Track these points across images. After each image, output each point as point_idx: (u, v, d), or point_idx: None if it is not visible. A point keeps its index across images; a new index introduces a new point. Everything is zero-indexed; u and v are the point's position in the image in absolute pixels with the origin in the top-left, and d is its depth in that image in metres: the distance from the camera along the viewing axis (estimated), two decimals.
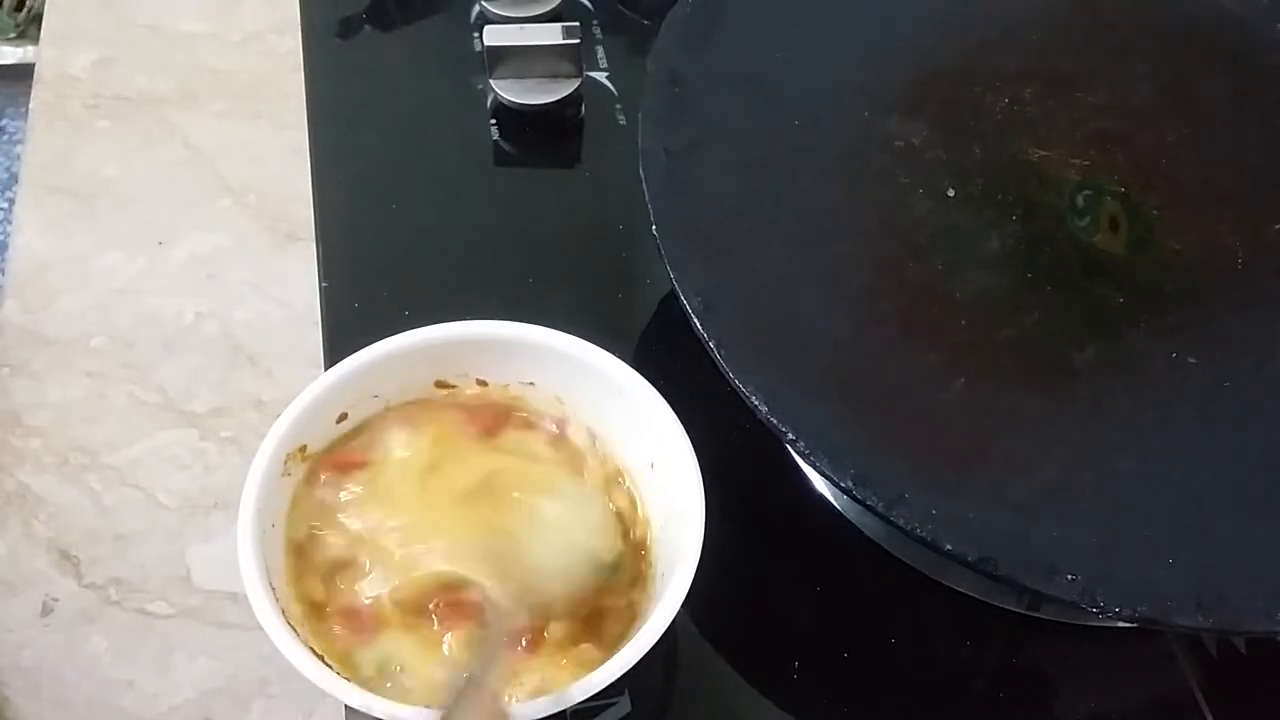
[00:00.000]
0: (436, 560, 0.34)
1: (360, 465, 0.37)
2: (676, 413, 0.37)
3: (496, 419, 0.38)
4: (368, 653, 0.34)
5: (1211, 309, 0.41)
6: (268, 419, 0.36)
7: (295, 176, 0.51)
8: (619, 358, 0.38)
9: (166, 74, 0.55)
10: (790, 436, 0.35)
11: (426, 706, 0.31)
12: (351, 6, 0.57)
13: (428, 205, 0.50)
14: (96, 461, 0.43)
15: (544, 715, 0.32)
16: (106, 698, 0.38)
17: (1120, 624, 0.39)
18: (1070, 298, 0.41)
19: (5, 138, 1.41)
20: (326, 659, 0.33)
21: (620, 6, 0.58)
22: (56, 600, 0.40)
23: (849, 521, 0.42)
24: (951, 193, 0.42)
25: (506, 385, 0.39)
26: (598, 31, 0.56)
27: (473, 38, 0.56)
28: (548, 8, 0.55)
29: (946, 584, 0.40)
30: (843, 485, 0.34)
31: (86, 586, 0.40)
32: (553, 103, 0.52)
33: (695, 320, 0.37)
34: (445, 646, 0.34)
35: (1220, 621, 0.33)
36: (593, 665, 0.33)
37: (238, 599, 0.39)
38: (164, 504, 0.42)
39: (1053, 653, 0.40)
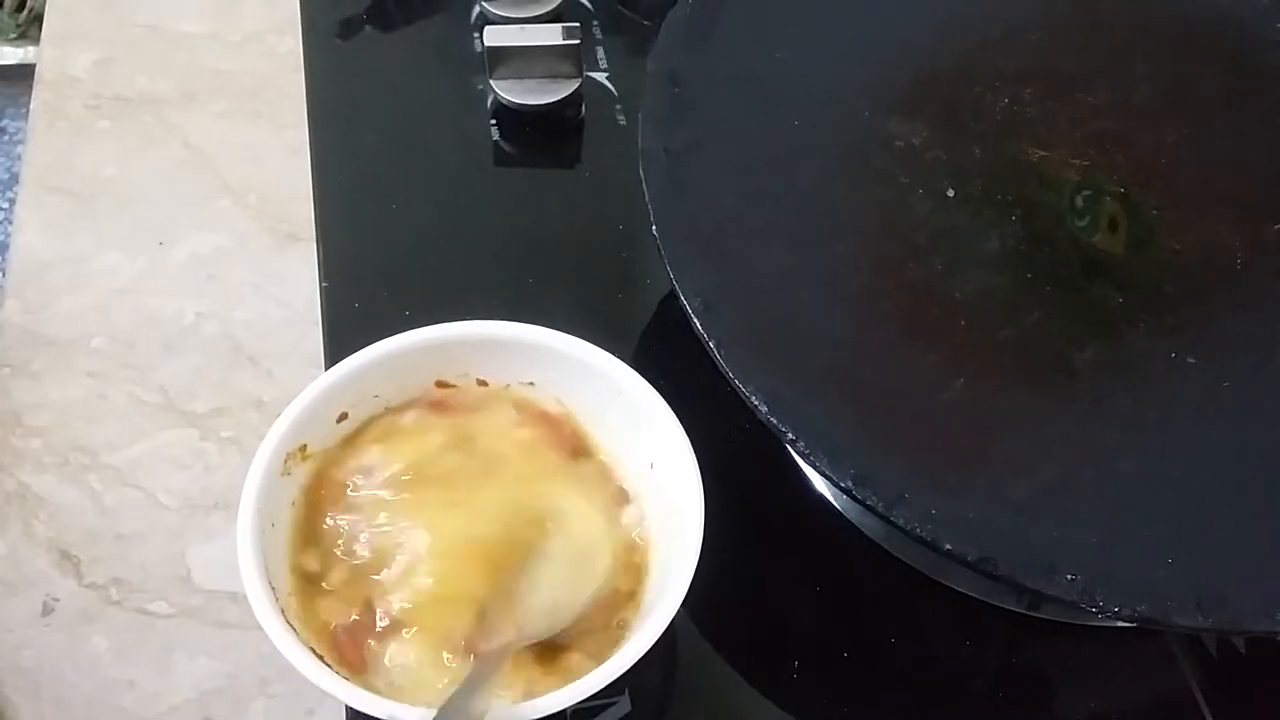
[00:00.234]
0: (438, 579, 0.34)
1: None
2: (676, 413, 0.37)
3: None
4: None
5: (1211, 309, 0.41)
6: (268, 419, 0.36)
7: (295, 176, 0.51)
8: (619, 358, 0.38)
9: (167, 74, 0.55)
10: (790, 436, 0.35)
11: (426, 706, 0.31)
12: (352, 7, 0.57)
13: (428, 205, 0.50)
14: (97, 461, 0.43)
15: (544, 715, 0.32)
16: (107, 698, 0.38)
17: (1120, 624, 0.39)
18: (1070, 298, 0.41)
19: (6, 138, 1.42)
20: (326, 658, 0.33)
21: (620, 7, 0.58)
22: (57, 600, 0.40)
23: (849, 521, 0.42)
24: (951, 193, 0.42)
25: (507, 385, 0.39)
26: (598, 32, 0.57)
27: (473, 38, 0.56)
28: (548, 8, 0.55)
29: (946, 584, 0.40)
30: (843, 485, 0.34)
31: (87, 586, 0.40)
32: (553, 103, 0.52)
33: (695, 320, 0.37)
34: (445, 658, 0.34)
35: (1220, 621, 0.33)
36: (578, 673, 0.33)
37: (238, 599, 0.39)
38: (164, 504, 0.42)
39: (1052, 653, 0.40)
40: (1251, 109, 0.47)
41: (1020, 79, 0.46)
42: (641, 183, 0.40)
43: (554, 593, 0.35)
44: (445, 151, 0.52)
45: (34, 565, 0.40)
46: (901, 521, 0.34)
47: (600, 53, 0.56)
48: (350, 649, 0.34)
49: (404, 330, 0.38)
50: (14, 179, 1.34)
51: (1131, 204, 0.43)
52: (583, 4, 0.58)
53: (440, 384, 0.39)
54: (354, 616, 0.34)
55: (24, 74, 0.93)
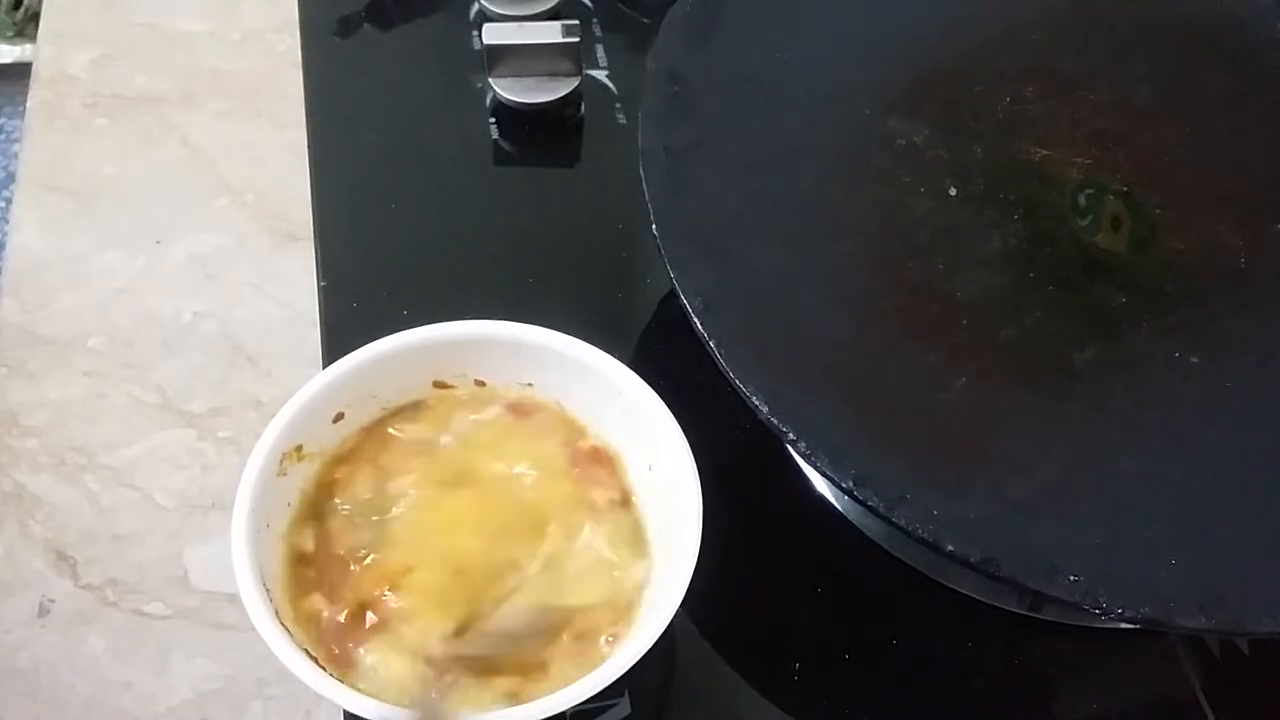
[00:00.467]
0: (425, 589, 0.34)
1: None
2: (676, 413, 0.37)
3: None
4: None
5: (1213, 309, 0.41)
6: (266, 419, 0.36)
7: (294, 176, 0.51)
8: (619, 357, 0.38)
9: (165, 73, 0.54)
10: (791, 436, 0.35)
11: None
12: (350, 5, 0.57)
13: (427, 205, 0.50)
14: (94, 462, 0.43)
15: (544, 716, 0.32)
16: (104, 698, 0.38)
17: (1122, 625, 0.39)
18: (1071, 297, 0.40)
19: (3, 137, 1.41)
20: (320, 660, 0.33)
21: (620, 5, 0.58)
22: (53, 601, 0.40)
23: (849, 521, 0.42)
24: (952, 192, 0.42)
25: (506, 385, 0.39)
26: (597, 30, 0.56)
27: (472, 36, 0.56)
28: (547, 6, 0.55)
29: (947, 584, 0.40)
30: (844, 485, 0.34)
31: (83, 587, 0.40)
32: (552, 101, 0.52)
33: (695, 320, 0.37)
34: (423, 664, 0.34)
35: (1222, 622, 0.33)
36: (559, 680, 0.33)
37: (235, 600, 0.38)
38: (162, 504, 0.42)
39: (1054, 653, 0.40)
40: (1252, 109, 0.47)
41: (1021, 78, 0.46)
42: (641, 182, 0.40)
43: (526, 617, 0.35)
44: (444, 150, 0.52)
45: (30, 566, 0.40)
46: (903, 522, 0.34)
47: (600, 51, 0.56)
48: (338, 648, 0.34)
49: (403, 330, 0.38)
50: (11, 178, 1.34)
51: (1133, 203, 0.43)
52: (582, 2, 0.57)
53: (438, 384, 0.39)
54: (341, 618, 0.34)
55: (21, 72, 0.92)
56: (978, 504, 0.35)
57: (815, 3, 0.47)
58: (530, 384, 0.39)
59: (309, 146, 0.51)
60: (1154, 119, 0.46)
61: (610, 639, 0.34)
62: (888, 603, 0.41)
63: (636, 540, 0.37)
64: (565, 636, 0.34)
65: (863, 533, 0.41)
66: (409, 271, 0.48)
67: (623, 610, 0.35)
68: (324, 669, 0.32)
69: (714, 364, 0.36)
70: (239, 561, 0.33)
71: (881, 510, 0.34)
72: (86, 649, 0.39)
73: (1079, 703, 0.39)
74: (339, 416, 0.38)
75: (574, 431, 0.38)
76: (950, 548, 0.34)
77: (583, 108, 0.54)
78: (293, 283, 0.48)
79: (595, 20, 0.57)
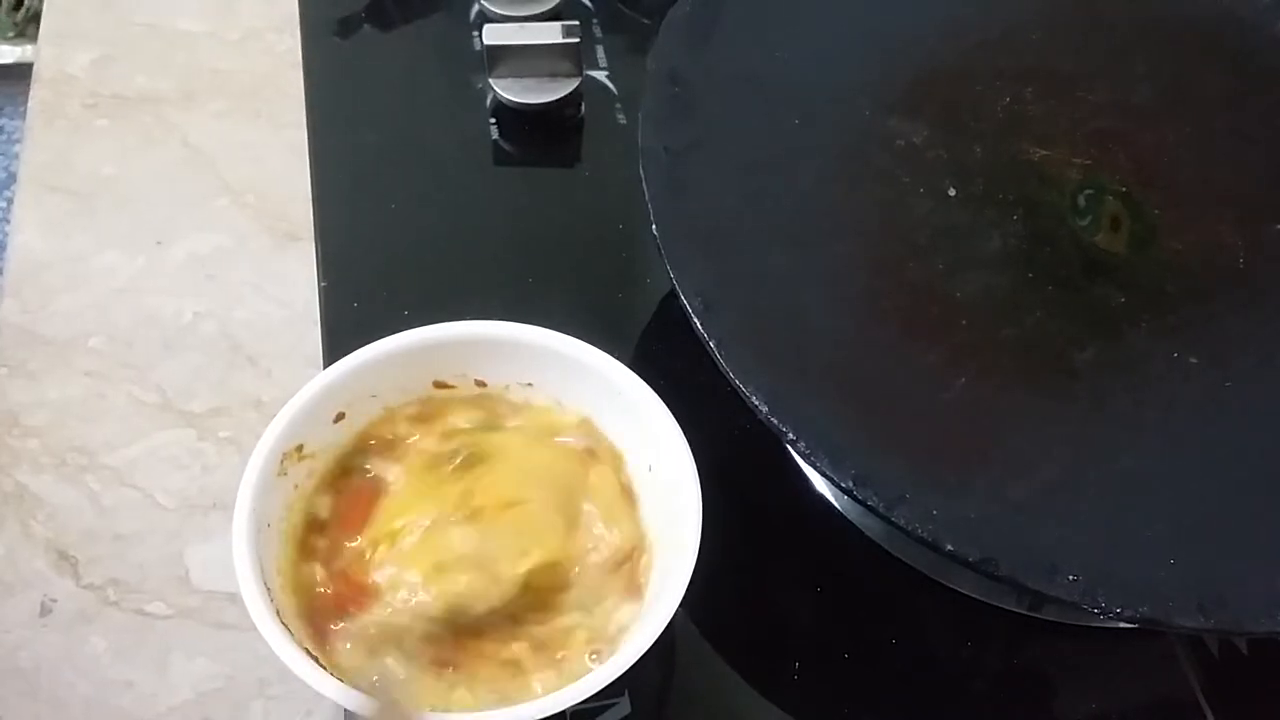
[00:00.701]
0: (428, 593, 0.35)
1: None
2: (676, 412, 0.37)
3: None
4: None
5: (1212, 309, 0.41)
6: (267, 419, 0.36)
7: (294, 176, 0.51)
8: (619, 357, 0.38)
9: (165, 73, 0.54)
10: (790, 436, 0.35)
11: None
12: (350, 5, 0.57)
13: (427, 205, 0.50)
14: (95, 462, 0.43)
15: (544, 715, 0.32)
16: (105, 698, 0.38)
17: (1121, 624, 0.39)
18: (1071, 297, 0.41)
19: (4, 137, 1.41)
20: (320, 659, 0.33)
21: (620, 5, 0.58)
22: (54, 601, 0.40)
23: (849, 521, 0.42)
24: (952, 192, 0.42)
25: (505, 386, 0.39)
26: (597, 30, 0.56)
27: (472, 36, 0.56)
28: (547, 6, 0.55)
29: (947, 584, 0.40)
30: (843, 485, 0.34)
31: (85, 587, 0.40)
32: (552, 102, 0.52)
33: (695, 320, 0.37)
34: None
35: (1222, 622, 0.33)
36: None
37: (236, 599, 0.38)
38: (162, 504, 0.42)
39: (1053, 653, 0.40)
40: (1252, 109, 0.47)
41: (1021, 78, 0.46)
42: (641, 182, 0.40)
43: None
44: (444, 150, 0.52)
45: (31, 566, 0.40)
46: (902, 522, 0.34)
47: (600, 51, 0.56)
48: (329, 646, 0.34)
49: (403, 330, 0.38)
50: (11, 178, 1.34)
51: (1133, 203, 0.43)
52: (582, 2, 0.57)
53: (438, 384, 0.39)
54: (338, 623, 0.35)
55: (22, 73, 0.93)
56: (977, 504, 0.35)
57: (815, 3, 0.47)
58: (530, 384, 0.39)
59: (309, 146, 0.51)
60: (1154, 119, 0.46)
61: (595, 655, 0.34)
62: (888, 603, 0.41)
63: (635, 539, 0.37)
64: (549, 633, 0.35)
65: (863, 533, 0.41)
66: (409, 271, 0.48)
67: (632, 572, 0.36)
68: (324, 668, 0.32)
69: (714, 364, 0.36)
70: (240, 561, 0.33)
71: (881, 510, 0.34)
72: (88, 649, 0.39)
73: (1079, 702, 0.39)
74: (339, 416, 0.38)
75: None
76: (950, 547, 0.34)
77: (583, 108, 0.54)
78: (293, 283, 0.48)
79: (595, 21, 0.57)
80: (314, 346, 0.45)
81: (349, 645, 0.34)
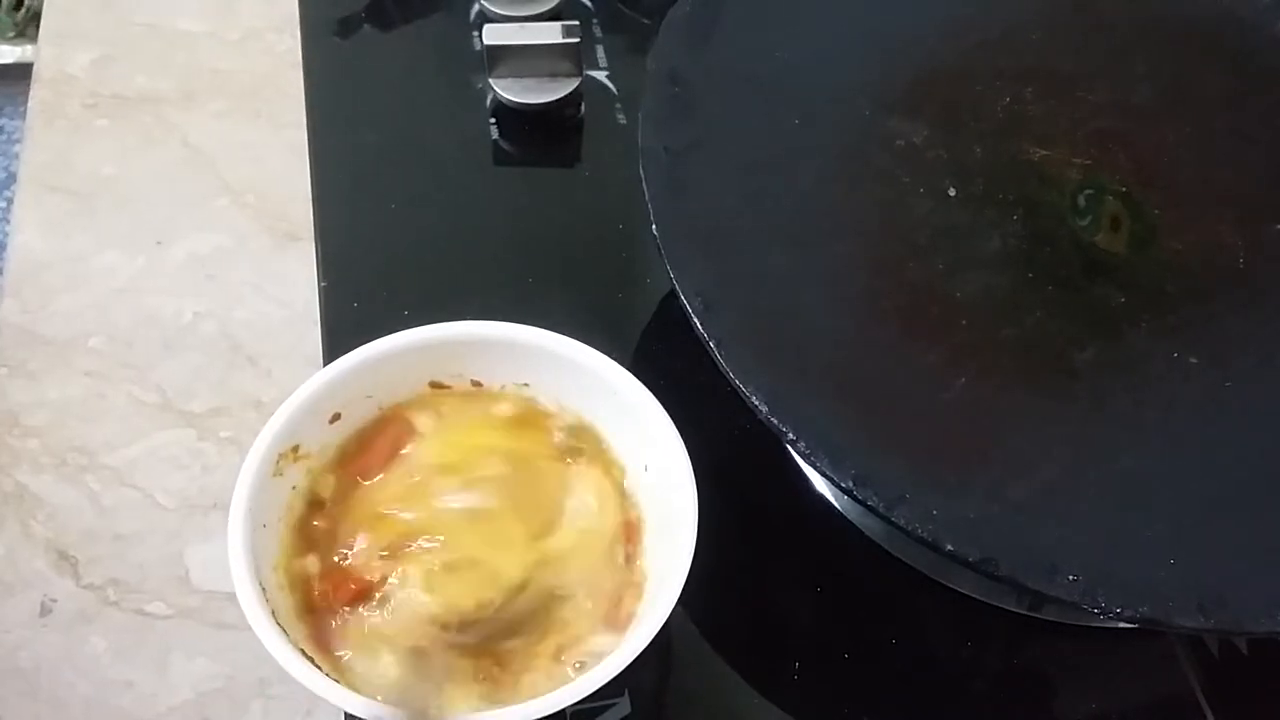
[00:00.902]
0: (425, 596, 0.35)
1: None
2: (676, 412, 0.37)
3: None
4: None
5: (1212, 309, 0.41)
6: (267, 419, 0.36)
7: (294, 176, 0.51)
8: (619, 358, 0.38)
9: (165, 73, 0.54)
10: (790, 436, 0.35)
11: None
12: (350, 5, 0.57)
13: (427, 205, 0.50)
14: (95, 462, 0.43)
15: (543, 715, 0.32)
16: (105, 698, 0.38)
17: (1121, 624, 0.39)
18: (1071, 297, 0.40)
19: (4, 137, 1.41)
20: (316, 660, 0.33)
21: (620, 5, 0.58)
22: (55, 601, 0.40)
23: (849, 521, 0.42)
24: (952, 192, 0.42)
25: (502, 386, 0.39)
26: (597, 30, 0.56)
27: (472, 36, 0.56)
28: (547, 6, 0.55)
29: (947, 584, 0.40)
30: (843, 485, 0.34)
31: (85, 587, 0.40)
32: (552, 102, 0.52)
33: (695, 320, 0.37)
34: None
35: (1221, 622, 0.33)
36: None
37: (236, 599, 0.38)
38: (162, 504, 0.42)
39: (1053, 653, 0.40)
40: (1252, 109, 0.47)
41: (1021, 78, 0.46)
42: (641, 182, 0.40)
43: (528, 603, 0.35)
44: (444, 150, 0.52)
45: (32, 566, 0.40)
46: (902, 522, 0.34)
47: (600, 51, 0.56)
48: (325, 646, 0.34)
49: (403, 330, 0.38)
50: (12, 178, 1.34)
51: (1133, 203, 0.43)
52: (582, 2, 0.57)
53: (434, 385, 0.39)
54: (336, 621, 0.35)
55: (22, 73, 0.93)
56: (977, 504, 0.35)
57: (815, 3, 0.47)
58: (526, 384, 0.39)
59: (309, 146, 0.51)
60: (1154, 119, 0.46)
61: (579, 665, 0.34)
62: (888, 603, 0.41)
63: (634, 538, 0.37)
64: (550, 636, 0.35)
65: (863, 533, 0.41)
66: (409, 271, 0.48)
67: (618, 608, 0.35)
68: (319, 669, 0.32)
69: (714, 364, 0.36)
70: (235, 561, 0.33)
71: (881, 510, 0.34)
72: (88, 649, 0.39)
73: (1078, 702, 0.39)
74: (335, 417, 0.38)
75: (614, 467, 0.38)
76: (950, 547, 0.34)
77: (583, 108, 0.54)
78: (293, 283, 0.48)
79: (595, 21, 0.57)
80: (314, 346, 0.45)
81: (347, 644, 0.34)
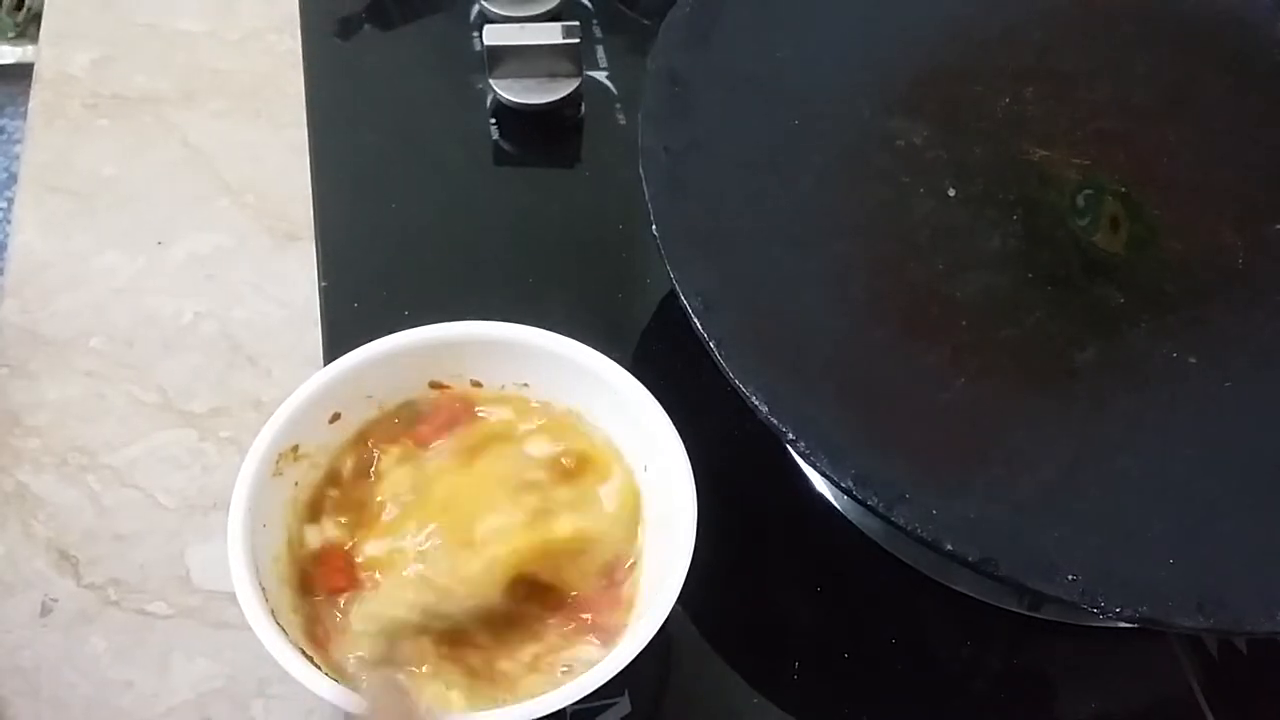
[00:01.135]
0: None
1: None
2: (676, 412, 0.37)
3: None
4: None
5: (1212, 309, 0.41)
6: (266, 419, 0.36)
7: (294, 176, 0.51)
8: (619, 358, 0.38)
9: (166, 73, 0.54)
10: (790, 436, 0.35)
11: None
12: (351, 5, 0.57)
13: (427, 205, 0.50)
14: (95, 461, 0.43)
15: (543, 715, 0.32)
16: (105, 698, 0.38)
17: (1121, 624, 0.39)
18: (1071, 297, 0.41)
19: (4, 137, 1.41)
20: (315, 659, 0.33)
21: (620, 5, 0.58)
22: (55, 600, 0.40)
23: (849, 522, 0.42)
24: (952, 192, 0.42)
25: (502, 386, 0.39)
26: (597, 31, 0.56)
27: (472, 37, 0.56)
28: (547, 7, 0.55)
29: (947, 584, 0.40)
30: (843, 485, 0.34)
31: (85, 587, 0.40)
32: (553, 102, 0.52)
33: (695, 320, 0.37)
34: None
35: (1221, 622, 0.33)
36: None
37: (236, 599, 0.38)
38: (163, 504, 0.42)
39: (1053, 653, 0.40)
40: (1252, 109, 0.47)
41: (1021, 78, 0.46)
42: (641, 182, 0.40)
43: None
44: (444, 151, 0.52)
45: (32, 565, 0.40)
46: (902, 522, 0.34)
47: (600, 51, 0.56)
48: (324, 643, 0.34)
49: (403, 330, 0.38)
50: (12, 178, 1.34)
51: (1133, 203, 0.43)
52: (582, 3, 0.57)
53: (434, 385, 0.39)
54: (337, 615, 0.35)
55: (22, 73, 0.93)
56: (977, 504, 0.35)
57: (815, 3, 0.47)
58: (526, 384, 0.39)
59: (309, 146, 0.51)
60: (1154, 119, 0.46)
61: (566, 669, 0.34)
62: (888, 603, 0.41)
63: (633, 539, 0.37)
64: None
65: (863, 533, 0.41)
66: (409, 271, 0.48)
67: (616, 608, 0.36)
68: (319, 668, 0.32)
69: (714, 364, 0.36)
70: (235, 561, 0.33)
71: (881, 510, 0.34)
72: (88, 649, 0.39)
73: (1078, 703, 0.39)
74: (335, 417, 0.38)
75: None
76: (950, 547, 0.34)
77: (583, 108, 0.54)
78: (293, 282, 0.48)
79: (595, 21, 0.57)
80: (314, 346, 0.45)
81: (346, 642, 0.34)
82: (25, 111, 0.54)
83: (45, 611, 0.39)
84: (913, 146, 0.43)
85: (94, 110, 0.53)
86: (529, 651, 0.35)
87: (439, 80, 0.55)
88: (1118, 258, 0.42)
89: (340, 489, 0.37)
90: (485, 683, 0.34)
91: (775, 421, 0.35)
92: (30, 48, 1.31)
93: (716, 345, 0.36)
